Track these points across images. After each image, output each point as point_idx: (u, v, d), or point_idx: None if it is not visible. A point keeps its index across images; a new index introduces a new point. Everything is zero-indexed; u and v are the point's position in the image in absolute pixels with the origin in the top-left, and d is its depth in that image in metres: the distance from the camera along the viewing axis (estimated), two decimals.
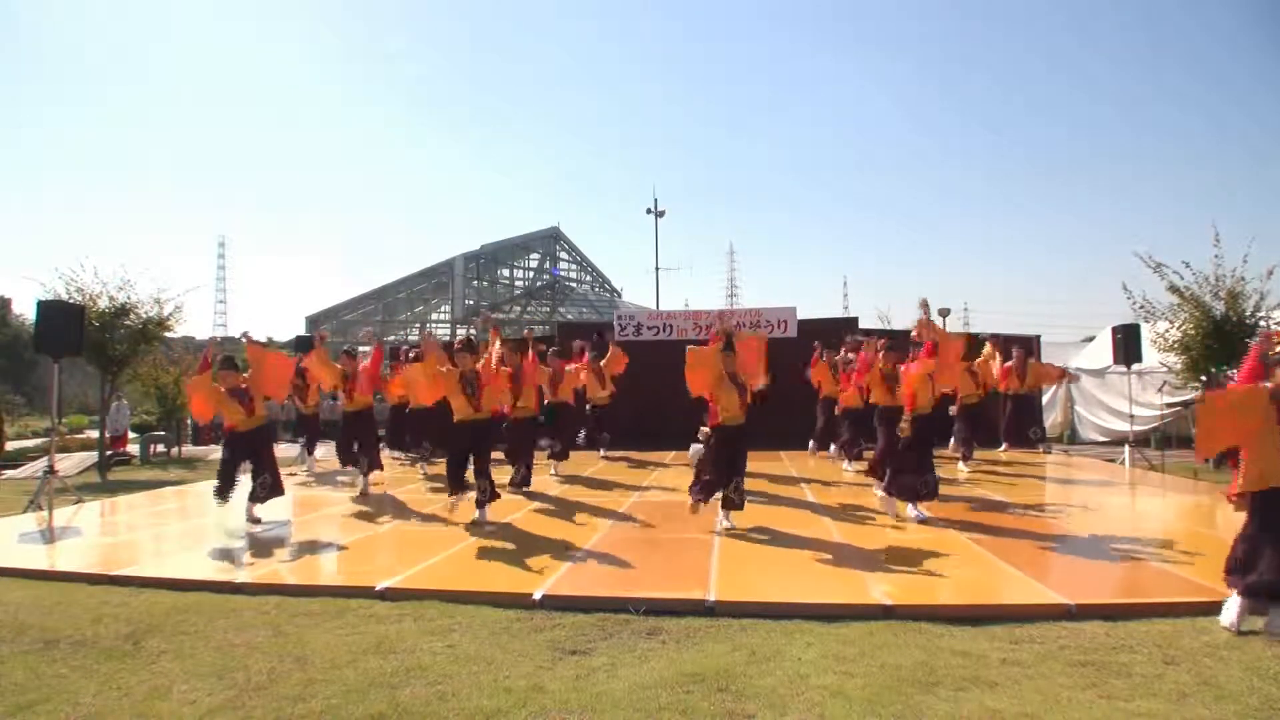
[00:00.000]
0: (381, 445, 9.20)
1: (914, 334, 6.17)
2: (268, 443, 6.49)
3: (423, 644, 3.36)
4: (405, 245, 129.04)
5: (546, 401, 8.71)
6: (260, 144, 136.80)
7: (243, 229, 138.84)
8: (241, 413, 6.25)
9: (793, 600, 3.91)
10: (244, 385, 6.28)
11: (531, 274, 46.68)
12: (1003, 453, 10.29)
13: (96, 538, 6.09)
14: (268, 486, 6.25)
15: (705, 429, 5.80)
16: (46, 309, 7.25)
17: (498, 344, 6.65)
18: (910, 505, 5.90)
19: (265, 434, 6.50)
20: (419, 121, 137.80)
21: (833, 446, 9.49)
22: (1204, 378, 10.34)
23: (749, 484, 6.12)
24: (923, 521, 5.74)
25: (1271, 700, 2.72)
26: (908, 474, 5.80)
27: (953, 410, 9.12)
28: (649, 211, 31.12)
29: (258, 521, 6.13)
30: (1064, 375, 10.49)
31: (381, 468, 8.14)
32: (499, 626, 3.62)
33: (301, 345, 11.96)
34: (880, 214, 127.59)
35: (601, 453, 10.52)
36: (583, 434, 10.31)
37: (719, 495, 5.66)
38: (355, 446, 7.94)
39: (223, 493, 6.34)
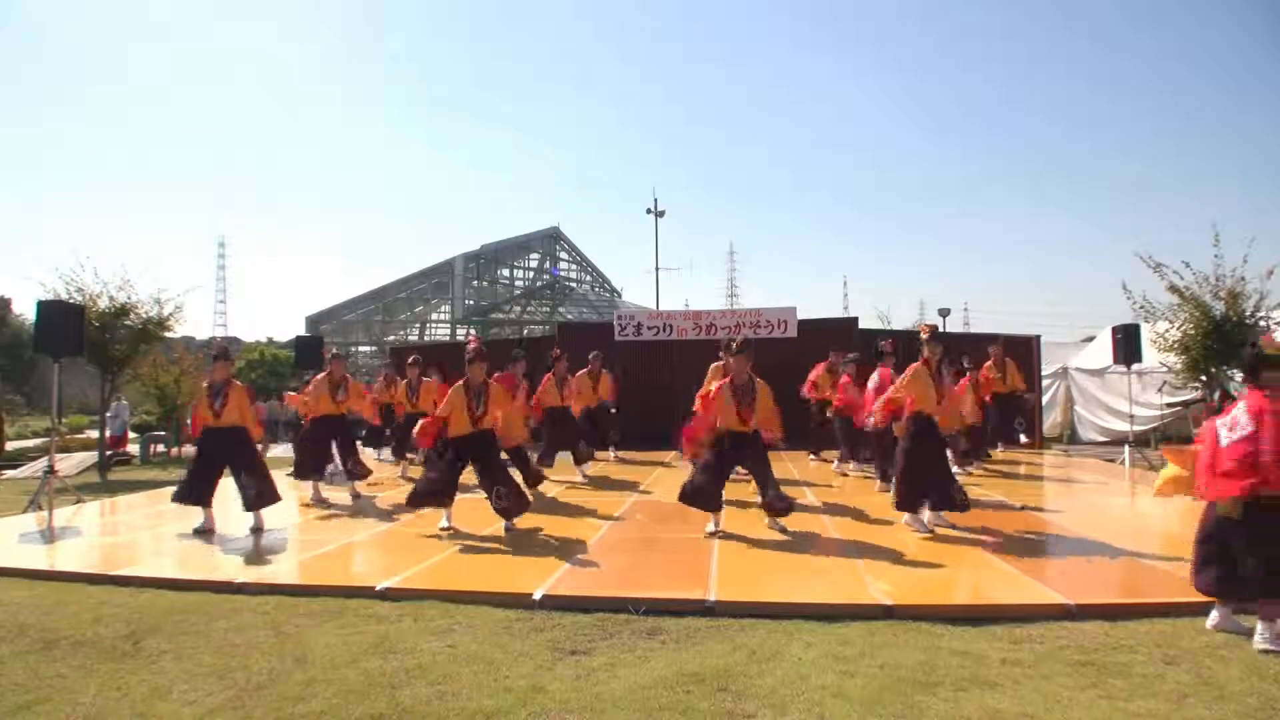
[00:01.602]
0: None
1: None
2: (247, 447, 6.12)
3: (423, 644, 3.36)
4: (405, 245, 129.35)
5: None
6: (260, 144, 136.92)
7: (243, 229, 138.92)
8: (209, 415, 6.02)
9: (793, 600, 3.91)
10: (225, 384, 6.03)
11: (531, 274, 46.72)
12: (999, 453, 10.33)
13: (96, 538, 6.09)
14: (253, 492, 5.90)
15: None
16: (46, 309, 7.24)
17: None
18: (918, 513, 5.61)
19: (241, 438, 6.10)
20: (419, 122, 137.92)
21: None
22: (1204, 378, 10.34)
23: (746, 485, 6.18)
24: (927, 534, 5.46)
25: (1271, 700, 2.72)
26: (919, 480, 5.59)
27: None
28: (649, 211, 31.18)
29: (259, 530, 5.84)
30: (1025, 391, 10.52)
31: (369, 473, 7.96)
32: (499, 626, 3.61)
33: (302, 346, 11.93)
34: (880, 214, 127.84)
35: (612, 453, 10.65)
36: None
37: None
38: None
39: (183, 498, 5.95)
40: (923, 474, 5.55)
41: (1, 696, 2.89)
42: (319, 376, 7.84)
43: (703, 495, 5.53)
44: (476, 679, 2.96)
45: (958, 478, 5.87)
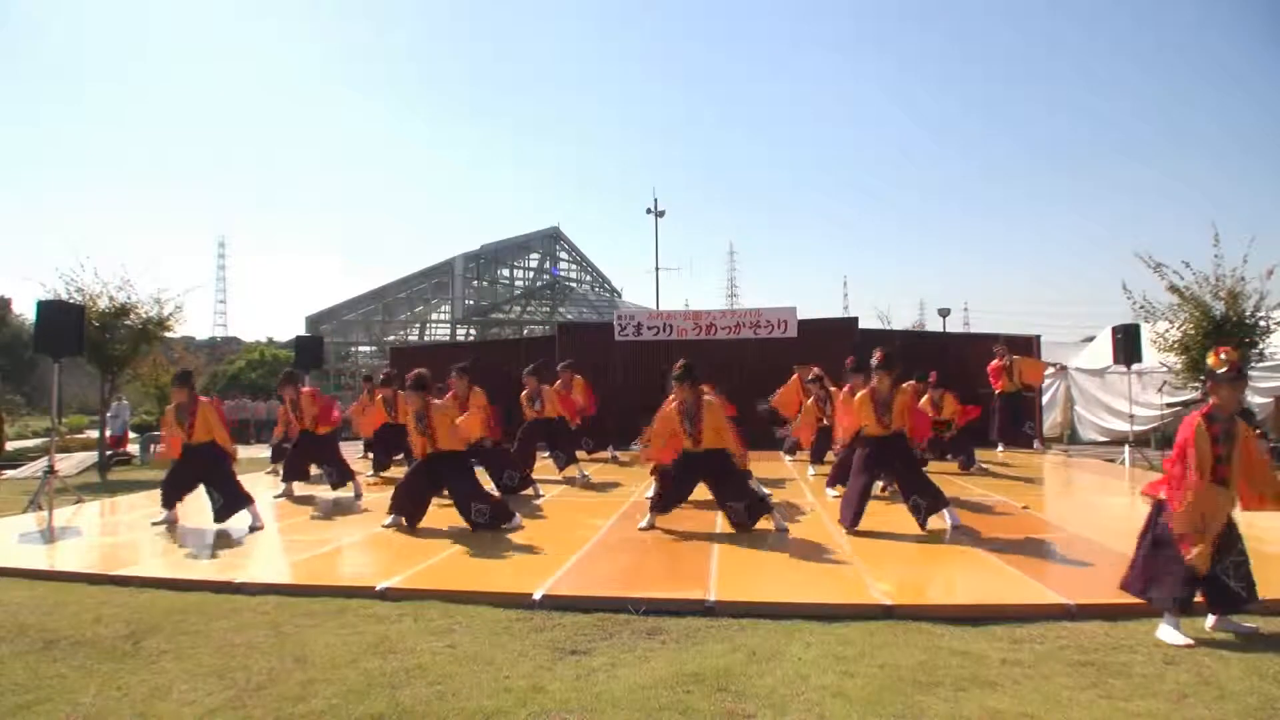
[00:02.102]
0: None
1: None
2: (217, 461, 6.25)
3: (423, 644, 3.36)
4: (405, 245, 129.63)
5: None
6: (260, 143, 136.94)
7: (243, 229, 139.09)
8: (181, 434, 6.24)
9: (793, 600, 3.91)
10: (191, 404, 6.21)
11: (531, 274, 46.65)
12: (1000, 453, 10.33)
13: (96, 538, 6.09)
14: (220, 504, 6.08)
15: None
16: (46, 309, 7.23)
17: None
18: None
19: (212, 452, 6.26)
20: (419, 121, 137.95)
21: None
22: (1204, 378, 10.33)
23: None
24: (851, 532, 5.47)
25: (1271, 700, 2.72)
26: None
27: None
28: (649, 211, 31.21)
29: (257, 529, 5.95)
30: (1049, 368, 10.66)
31: (354, 476, 7.94)
32: (499, 626, 3.61)
33: (302, 346, 11.92)
34: (880, 214, 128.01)
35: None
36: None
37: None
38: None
39: (167, 502, 6.27)
40: (865, 496, 5.64)
41: (1, 696, 2.89)
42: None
43: (663, 502, 5.73)
44: (476, 679, 2.96)
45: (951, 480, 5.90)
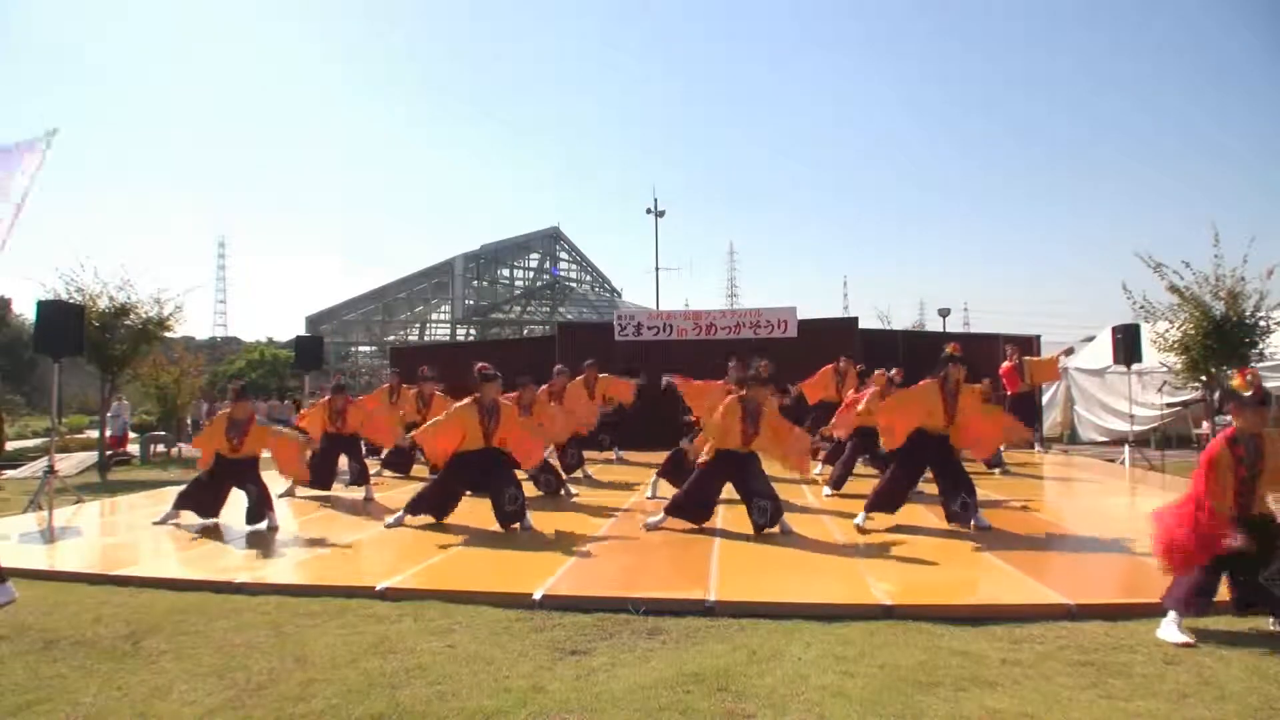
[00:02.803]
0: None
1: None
2: (251, 467, 6.35)
3: (423, 644, 3.36)
4: (405, 245, 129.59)
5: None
6: (260, 144, 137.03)
7: (243, 229, 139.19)
8: (226, 446, 6.27)
9: (793, 600, 3.91)
10: (248, 422, 6.32)
11: (531, 274, 46.70)
12: (1002, 453, 10.32)
13: (96, 538, 6.10)
14: (255, 498, 6.14)
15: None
16: (46, 309, 7.22)
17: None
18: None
19: (251, 462, 6.40)
20: (419, 122, 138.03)
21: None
22: (1204, 378, 10.34)
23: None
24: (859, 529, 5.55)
25: (1272, 700, 2.72)
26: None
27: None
28: (649, 211, 31.23)
29: (275, 529, 6.02)
30: (1063, 357, 10.78)
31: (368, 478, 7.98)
32: (499, 626, 3.61)
33: (302, 346, 11.92)
34: (880, 213, 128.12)
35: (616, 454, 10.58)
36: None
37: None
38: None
39: (184, 505, 6.25)
40: (905, 489, 5.72)
41: (1, 696, 2.89)
42: (322, 400, 8.13)
43: (687, 510, 5.62)
44: (476, 679, 2.96)
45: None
